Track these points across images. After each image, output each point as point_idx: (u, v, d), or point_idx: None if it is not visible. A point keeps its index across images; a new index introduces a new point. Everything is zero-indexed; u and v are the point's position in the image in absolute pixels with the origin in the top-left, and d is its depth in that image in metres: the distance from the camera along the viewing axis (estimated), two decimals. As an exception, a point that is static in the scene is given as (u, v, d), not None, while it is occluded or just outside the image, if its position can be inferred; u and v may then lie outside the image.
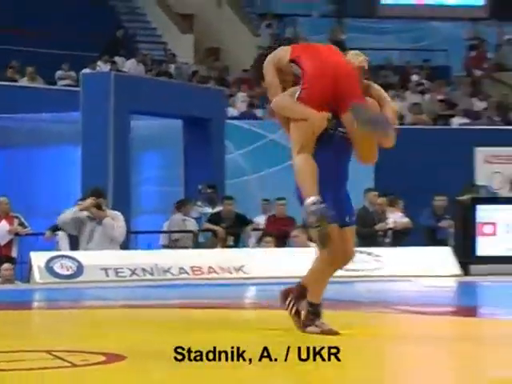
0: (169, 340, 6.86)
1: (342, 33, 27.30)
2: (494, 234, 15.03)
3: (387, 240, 16.36)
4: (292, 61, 6.93)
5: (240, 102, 21.57)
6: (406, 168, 17.95)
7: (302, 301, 7.19)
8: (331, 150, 6.93)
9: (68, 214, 14.07)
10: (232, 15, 27.23)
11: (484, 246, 14.93)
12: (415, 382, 5.36)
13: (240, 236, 16.13)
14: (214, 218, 16.00)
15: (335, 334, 7.00)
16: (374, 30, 27.91)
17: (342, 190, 7.11)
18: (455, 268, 14.65)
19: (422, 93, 24.02)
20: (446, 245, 15.59)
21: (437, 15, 28.79)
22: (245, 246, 15.89)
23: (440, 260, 14.80)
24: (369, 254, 14.85)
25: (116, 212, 14.52)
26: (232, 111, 20.46)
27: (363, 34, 27.60)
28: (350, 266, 14.53)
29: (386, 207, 16.57)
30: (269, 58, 7.06)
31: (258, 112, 21.14)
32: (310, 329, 7.11)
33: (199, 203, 16.39)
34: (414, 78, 25.04)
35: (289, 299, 7.23)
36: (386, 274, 14.20)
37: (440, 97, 23.96)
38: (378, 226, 16.36)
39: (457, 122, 22.30)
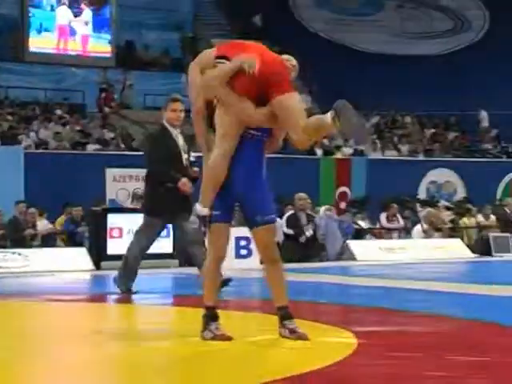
0: None
1: (-5, 73, 26.64)
2: (120, 236, 15.21)
3: (36, 243, 16.19)
4: (218, 57, 6.03)
5: None
6: (53, 184, 17.80)
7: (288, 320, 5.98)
8: (241, 150, 5.84)
9: None
10: None
11: (113, 246, 15.07)
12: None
13: None
14: None
15: (227, 339, 5.87)
16: (23, 72, 27.41)
17: (255, 189, 5.87)
18: (89, 264, 14.73)
19: (64, 124, 23.91)
20: (82, 245, 15.66)
21: (75, 63, 28.72)
22: None
23: (77, 258, 14.83)
24: (19, 254, 14.64)
25: None
26: None
27: (13, 74, 27.05)
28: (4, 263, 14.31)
29: (36, 216, 16.40)
30: (193, 62, 6.17)
31: None
32: (204, 333, 5.95)
33: None
34: (57, 112, 24.86)
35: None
36: (32, 270, 14.03)
37: (78, 127, 23.96)
38: (27, 232, 16.14)
39: (91, 147, 22.38)
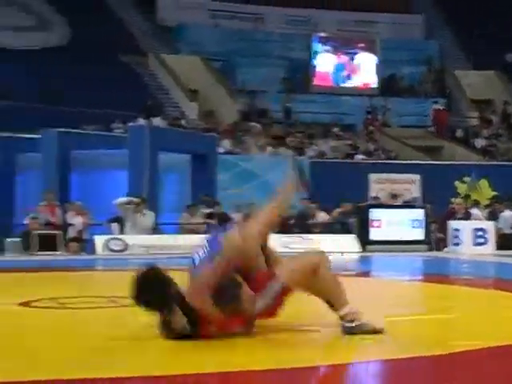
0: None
1: (289, 102, 27.31)
2: (380, 226, 15.05)
3: (317, 230, 16.33)
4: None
5: (225, 144, 21.52)
6: (330, 185, 17.83)
7: None
8: None
9: (122, 199, 14.07)
10: (222, 90, 27.20)
11: (375, 234, 14.94)
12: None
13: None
14: (210, 215, 15.92)
15: None
16: (310, 100, 27.89)
17: None
18: (357, 247, 14.69)
19: (338, 140, 24.07)
20: (351, 233, 15.63)
21: (347, 92, 28.88)
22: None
23: (349, 242, 14.84)
24: (303, 238, 14.88)
25: (150, 211, 14.46)
26: (221, 149, 20.38)
27: (302, 103, 27.59)
28: (293, 245, 14.52)
29: (315, 209, 16.54)
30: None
31: (237, 150, 21.09)
32: None
33: (200, 206, 16.26)
34: (334, 130, 25.09)
35: None
36: (314, 251, 14.17)
37: (349, 142, 24.03)
38: (310, 221, 16.34)
39: (358, 157, 22.36)
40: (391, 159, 22.10)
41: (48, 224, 14.22)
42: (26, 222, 14.06)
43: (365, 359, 4.08)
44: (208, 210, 16.28)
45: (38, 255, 13.05)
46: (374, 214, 15.13)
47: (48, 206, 14.48)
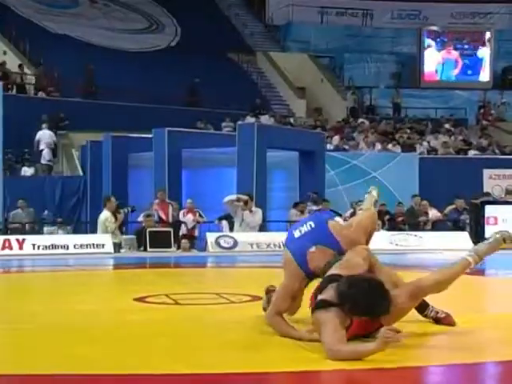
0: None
1: (398, 98, 26.90)
2: (495, 224, 14.60)
3: (428, 227, 16.03)
4: None
5: (334, 141, 21.41)
6: (441, 182, 17.53)
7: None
8: None
9: (231, 196, 14.24)
10: (329, 87, 27.08)
11: (489, 232, 14.47)
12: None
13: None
14: (318, 213, 15.85)
15: None
16: (419, 95, 27.39)
17: None
18: (470, 246, 14.29)
19: (450, 135, 23.51)
20: (464, 230, 15.23)
21: (459, 86, 28.16)
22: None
23: (460, 240, 14.47)
24: (414, 235, 14.63)
25: (257, 208, 14.58)
26: (329, 146, 20.28)
27: (411, 98, 27.13)
28: (402, 242, 14.24)
29: (426, 206, 16.23)
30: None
31: (346, 147, 20.93)
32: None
33: (308, 203, 16.26)
34: (445, 125, 24.52)
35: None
36: (424, 249, 13.95)
37: (461, 137, 23.42)
38: (421, 218, 16.05)
39: (471, 153, 21.75)
40: (506, 154, 21.37)
41: (160, 222, 14.59)
42: (139, 219, 14.48)
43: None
44: (316, 207, 16.26)
45: (151, 252, 13.42)
46: (489, 210, 14.68)
47: (160, 204, 14.86)
